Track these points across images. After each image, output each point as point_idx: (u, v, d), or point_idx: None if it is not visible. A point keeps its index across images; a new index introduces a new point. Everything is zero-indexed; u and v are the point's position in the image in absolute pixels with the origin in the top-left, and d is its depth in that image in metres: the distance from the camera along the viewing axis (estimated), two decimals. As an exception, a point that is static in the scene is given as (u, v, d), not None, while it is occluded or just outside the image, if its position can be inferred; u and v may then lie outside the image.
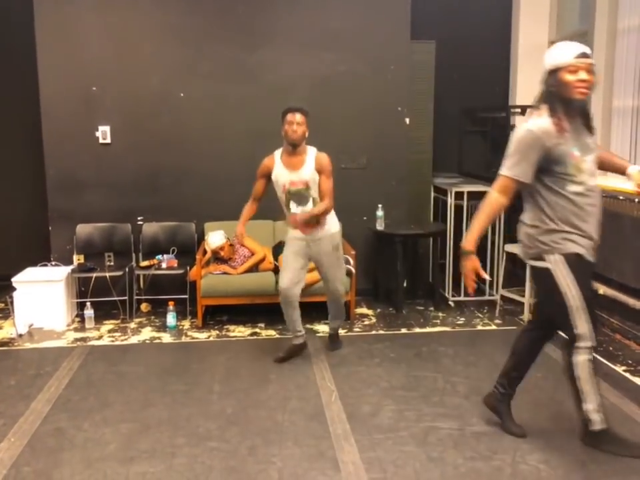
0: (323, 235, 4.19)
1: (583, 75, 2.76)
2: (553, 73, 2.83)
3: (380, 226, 5.51)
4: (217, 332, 5.03)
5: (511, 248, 5.28)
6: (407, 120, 5.70)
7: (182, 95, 5.51)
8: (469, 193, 5.58)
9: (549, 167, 2.86)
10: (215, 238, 5.21)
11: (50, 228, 5.55)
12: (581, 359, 2.94)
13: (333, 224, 4.25)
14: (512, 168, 2.89)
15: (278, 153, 4.16)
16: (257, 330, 5.03)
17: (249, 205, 4.34)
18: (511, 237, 5.68)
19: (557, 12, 6.33)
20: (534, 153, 2.83)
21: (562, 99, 2.80)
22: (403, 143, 5.73)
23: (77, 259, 5.52)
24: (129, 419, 3.54)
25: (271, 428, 3.42)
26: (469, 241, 2.96)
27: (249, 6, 5.46)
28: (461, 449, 3.18)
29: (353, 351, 4.57)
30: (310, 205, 4.10)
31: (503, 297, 5.45)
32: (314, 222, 4.13)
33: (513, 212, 5.68)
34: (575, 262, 2.91)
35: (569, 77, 2.77)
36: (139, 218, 5.63)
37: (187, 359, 4.46)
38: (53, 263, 5.51)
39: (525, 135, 2.85)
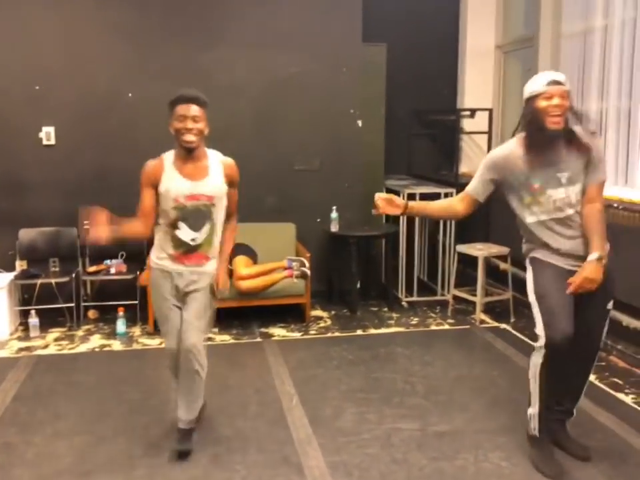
0: (208, 269, 3.19)
1: (556, 101, 2.74)
2: (528, 101, 2.84)
3: (334, 227, 5.50)
4: (170, 338, 4.91)
5: (462, 249, 5.37)
6: (360, 122, 5.72)
7: (130, 95, 5.36)
8: (420, 194, 5.64)
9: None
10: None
11: (-10, 233, 5.30)
12: (533, 359, 2.93)
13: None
14: None
15: (169, 157, 3.11)
16: (211, 335, 4.93)
17: (134, 223, 3.19)
18: (462, 238, 5.79)
19: (503, 17, 6.48)
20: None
21: (537, 127, 2.81)
22: (356, 145, 5.73)
23: (20, 265, 5.28)
24: (84, 431, 3.41)
25: (233, 435, 3.35)
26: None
27: (199, 5, 5.36)
28: (424, 449, 3.20)
29: (310, 354, 4.54)
30: (205, 231, 3.10)
31: (454, 297, 5.52)
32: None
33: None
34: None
35: (542, 104, 2.76)
36: (85, 222, 5.41)
37: (140, 367, 4.33)
38: (-6, 270, 5.27)
39: None
